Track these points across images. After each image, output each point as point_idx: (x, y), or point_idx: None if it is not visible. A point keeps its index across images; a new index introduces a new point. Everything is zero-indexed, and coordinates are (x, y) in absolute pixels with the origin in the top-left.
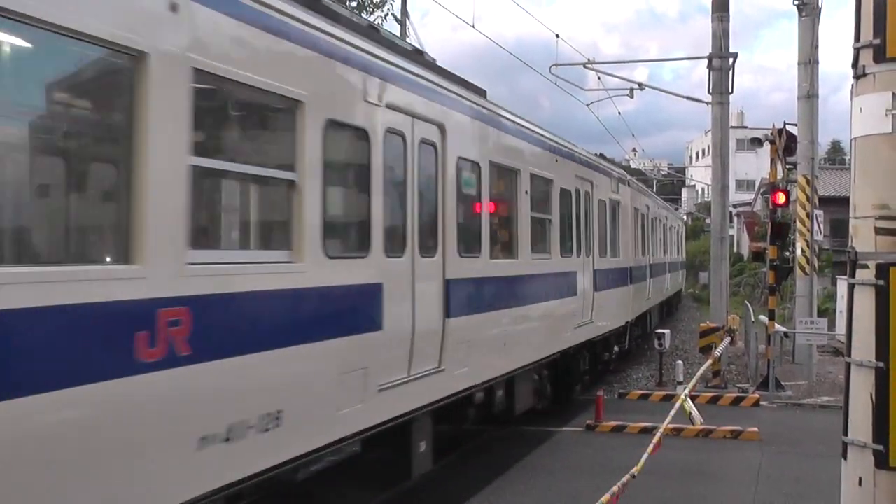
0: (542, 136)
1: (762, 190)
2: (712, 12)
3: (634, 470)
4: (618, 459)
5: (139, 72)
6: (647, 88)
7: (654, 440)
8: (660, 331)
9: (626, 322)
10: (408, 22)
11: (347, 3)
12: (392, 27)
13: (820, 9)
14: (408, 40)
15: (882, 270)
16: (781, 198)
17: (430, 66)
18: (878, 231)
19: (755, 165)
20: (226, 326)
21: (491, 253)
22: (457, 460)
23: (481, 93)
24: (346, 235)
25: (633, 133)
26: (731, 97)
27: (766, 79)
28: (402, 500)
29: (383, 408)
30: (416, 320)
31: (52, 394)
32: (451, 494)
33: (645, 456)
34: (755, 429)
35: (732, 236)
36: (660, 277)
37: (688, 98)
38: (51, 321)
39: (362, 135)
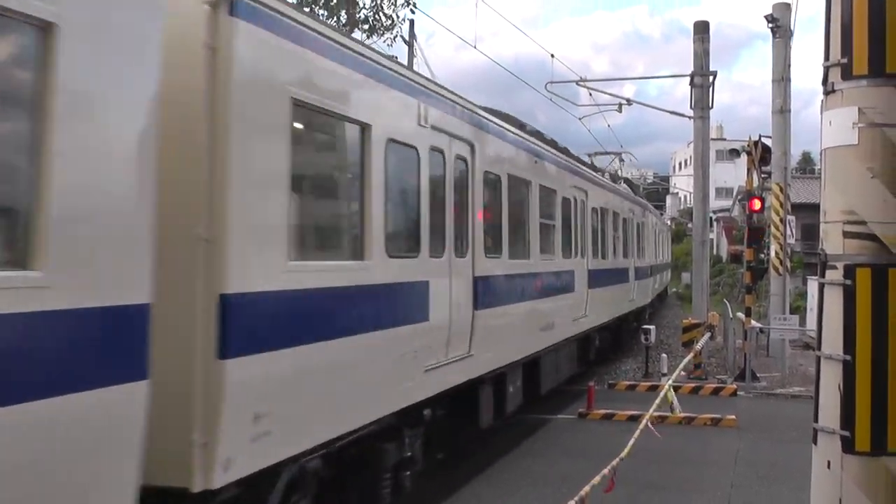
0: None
1: (739, 197)
2: (694, 34)
3: (623, 453)
4: (607, 444)
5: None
6: (634, 104)
7: (640, 427)
8: (646, 326)
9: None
10: (415, 43)
11: (360, 26)
12: (400, 48)
13: (792, 31)
14: (415, 60)
15: (849, 271)
16: (757, 204)
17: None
18: (845, 235)
19: (733, 174)
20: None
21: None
22: (461, 446)
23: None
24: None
25: (621, 145)
26: (711, 112)
27: (742, 95)
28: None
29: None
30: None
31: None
32: (456, 477)
33: (631, 442)
34: (733, 417)
35: (712, 240)
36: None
37: (672, 112)
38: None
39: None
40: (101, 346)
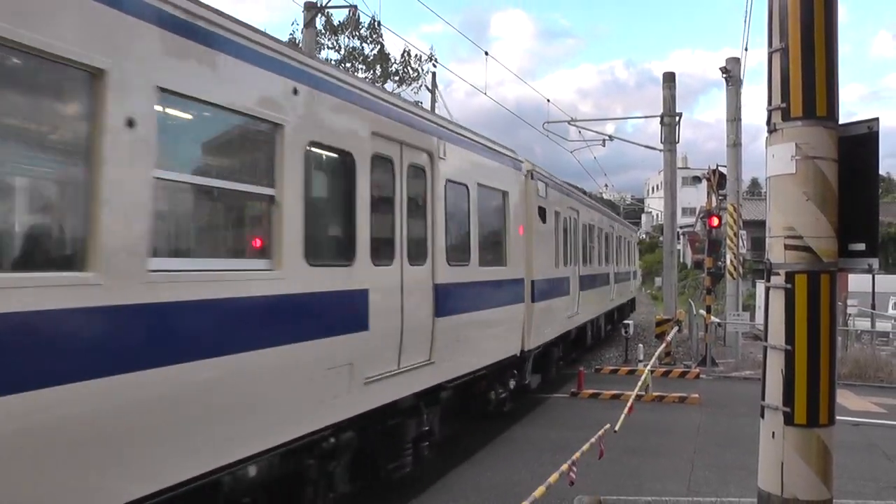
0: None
1: (701, 215)
2: (663, 83)
3: (615, 426)
4: (594, 417)
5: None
6: (615, 139)
7: (629, 404)
8: (626, 322)
9: None
10: (437, 91)
11: (392, 78)
12: (424, 95)
13: (741, 80)
14: (436, 104)
15: (789, 277)
16: (716, 221)
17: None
18: (786, 247)
19: (696, 196)
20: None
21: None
22: (474, 420)
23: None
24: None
25: (605, 173)
26: (677, 146)
27: (702, 131)
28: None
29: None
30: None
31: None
32: (471, 444)
33: (622, 417)
34: (697, 395)
35: (680, 250)
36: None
37: (645, 146)
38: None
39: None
40: None
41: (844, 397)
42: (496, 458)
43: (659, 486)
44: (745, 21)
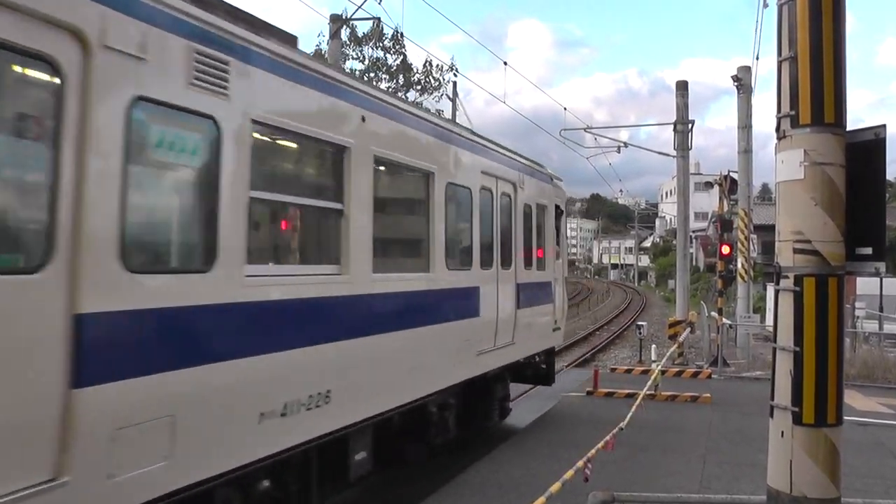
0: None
1: (713, 219)
2: (676, 91)
3: (622, 424)
4: (609, 416)
5: None
6: (629, 146)
7: (637, 402)
8: (639, 323)
9: None
10: (457, 100)
11: (414, 87)
12: (445, 103)
13: (752, 88)
14: (457, 113)
15: (798, 280)
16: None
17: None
18: (795, 251)
19: (708, 201)
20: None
21: None
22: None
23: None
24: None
25: (619, 178)
26: (690, 152)
27: (713, 138)
28: (447, 445)
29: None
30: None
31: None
32: (487, 441)
33: (630, 414)
34: (708, 395)
35: (692, 253)
36: None
37: (659, 153)
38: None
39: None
40: None
41: (852, 398)
42: (513, 455)
43: (671, 483)
44: (755, 31)
